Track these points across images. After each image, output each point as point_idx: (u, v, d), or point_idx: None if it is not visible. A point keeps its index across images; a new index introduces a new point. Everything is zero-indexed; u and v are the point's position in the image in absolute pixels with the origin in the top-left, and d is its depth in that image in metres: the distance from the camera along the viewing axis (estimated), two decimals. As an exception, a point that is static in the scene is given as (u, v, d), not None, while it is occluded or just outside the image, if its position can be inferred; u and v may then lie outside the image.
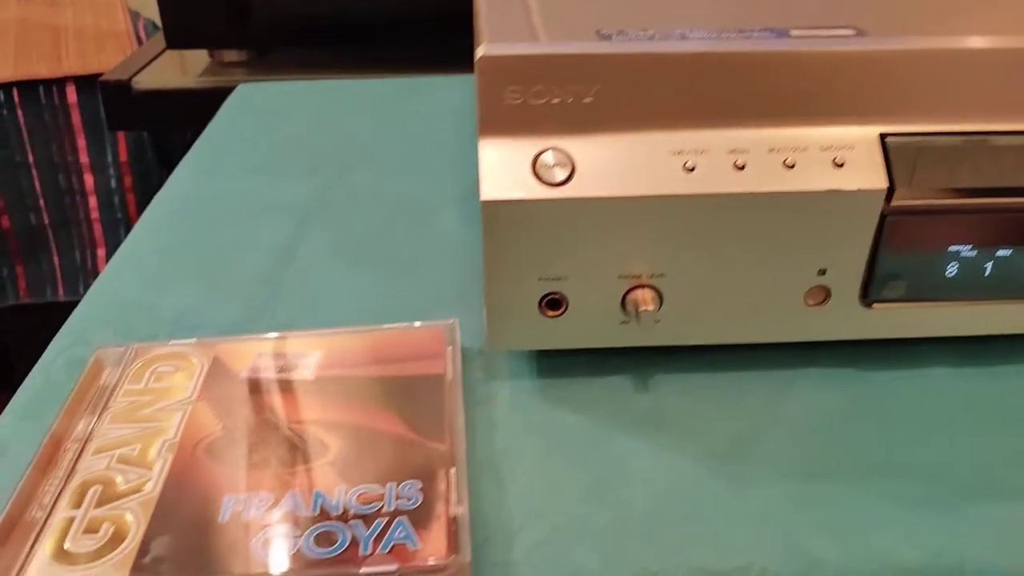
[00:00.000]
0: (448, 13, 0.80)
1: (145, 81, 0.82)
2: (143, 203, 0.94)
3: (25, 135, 0.89)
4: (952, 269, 0.33)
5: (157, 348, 0.35)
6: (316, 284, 0.41)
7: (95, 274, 0.96)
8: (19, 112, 0.89)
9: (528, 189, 0.30)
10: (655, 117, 0.31)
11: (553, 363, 0.35)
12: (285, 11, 0.80)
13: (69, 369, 0.35)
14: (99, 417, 0.31)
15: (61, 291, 0.96)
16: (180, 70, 0.86)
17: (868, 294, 0.33)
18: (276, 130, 0.60)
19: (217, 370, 0.33)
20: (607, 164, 0.30)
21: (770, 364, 0.35)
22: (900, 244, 0.32)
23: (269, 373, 0.33)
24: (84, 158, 0.91)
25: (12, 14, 0.91)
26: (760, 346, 0.35)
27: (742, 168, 0.31)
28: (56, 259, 0.95)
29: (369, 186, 0.51)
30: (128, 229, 0.95)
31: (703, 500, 0.29)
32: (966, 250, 0.33)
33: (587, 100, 0.30)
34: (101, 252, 0.95)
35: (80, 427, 0.31)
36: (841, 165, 0.31)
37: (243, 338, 0.35)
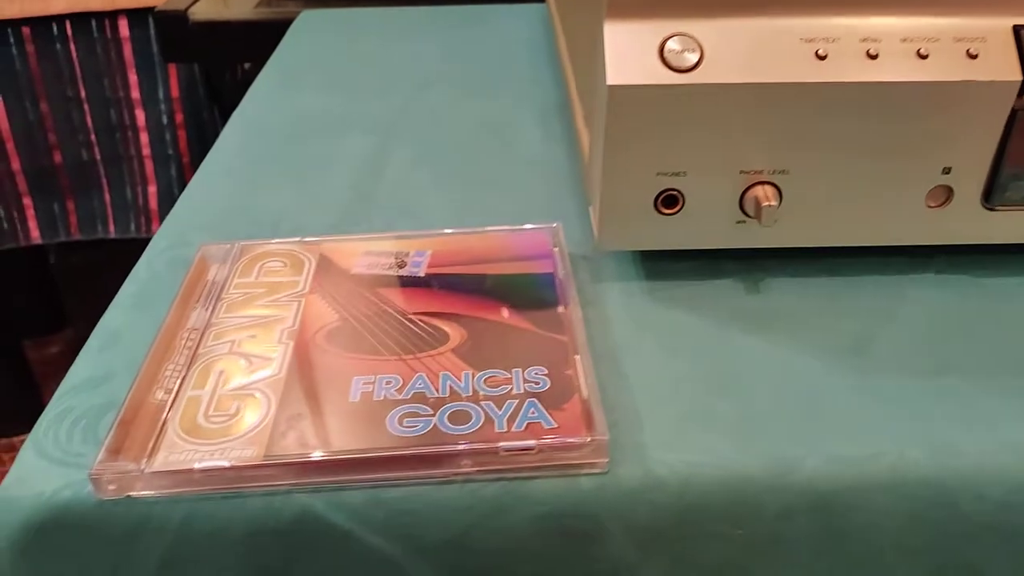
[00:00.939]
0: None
1: (201, 12, 0.81)
2: (195, 139, 0.94)
3: (78, 69, 0.89)
4: (1078, 172, 0.32)
5: (263, 246, 0.35)
6: (407, 194, 0.41)
7: (146, 211, 0.96)
8: (72, 46, 0.88)
9: (656, 74, 0.29)
10: (786, 2, 0.30)
11: (660, 267, 0.35)
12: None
13: (172, 267, 0.35)
14: (214, 309, 0.31)
15: (112, 228, 0.96)
16: (236, 0, 0.85)
17: (992, 196, 0.32)
18: (345, 52, 0.59)
19: (326, 267, 0.33)
20: (736, 50, 0.30)
21: (883, 269, 0.34)
22: (1031, 141, 0.31)
23: (379, 270, 0.33)
24: (135, 93, 0.91)
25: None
26: (873, 250, 0.34)
27: (875, 57, 0.30)
28: (107, 196, 0.95)
29: (446, 105, 0.51)
30: (180, 166, 0.95)
31: (829, 391, 0.28)
32: (1094, 152, 0.32)
33: None
34: (152, 189, 0.95)
35: (195, 317, 0.31)
36: (975, 56, 0.30)
37: (348, 237, 0.35)
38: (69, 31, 0.90)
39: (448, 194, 0.41)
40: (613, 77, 0.29)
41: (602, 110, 0.30)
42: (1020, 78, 0.30)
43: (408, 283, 0.32)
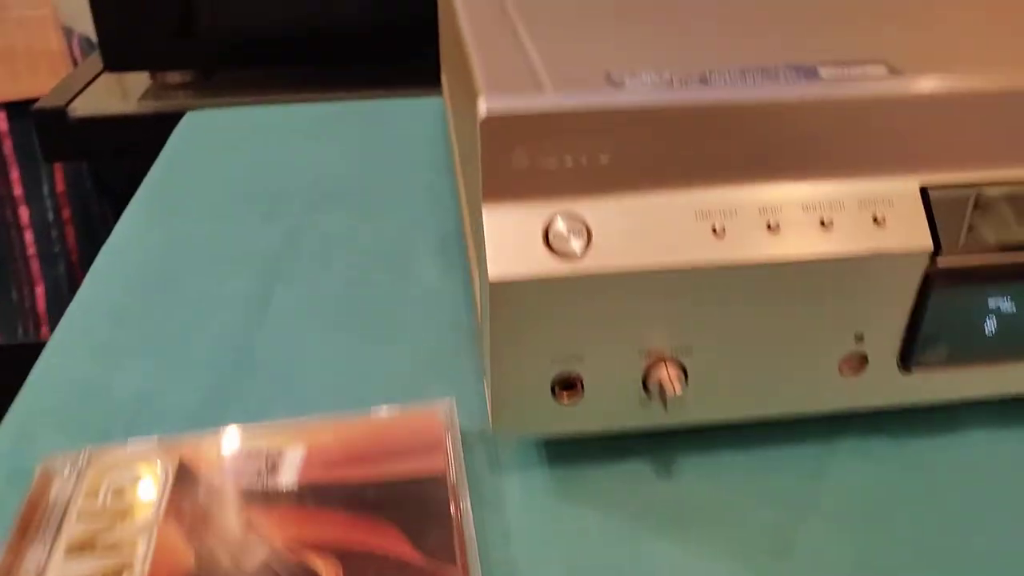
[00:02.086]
0: (403, 27, 0.76)
1: (82, 107, 0.76)
2: (83, 236, 0.88)
3: (-48, 167, 0.83)
4: (992, 327, 0.30)
5: (113, 452, 0.30)
6: (290, 353, 0.37)
7: (34, 315, 0.89)
8: (-55, 142, 0.82)
9: (541, 264, 0.26)
10: (677, 174, 0.27)
11: (565, 449, 0.32)
12: (232, 29, 0.75)
13: (13, 482, 0.31)
14: (51, 549, 0.27)
15: (-1, 332, 0.90)
16: (120, 93, 0.80)
17: (908, 359, 0.30)
18: (231, 164, 0.55)
19: (184, 477, 0.29)
20: (627, 230, 0.27)
21: (801, 439, 0.32)
22: (945, 305, 0.29)
23: (245, 479, 0.29)
24: (18, 190, 0.85)
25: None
26: (788, 420, 0.32)
27: (776, 229, 0.27)
28: (-8, 298, 0.89)
29: (339, 230, 0.47)
30: (68, 264, 0.89)
31: (751, 611, 0.26)
32: (1007, 306, 0.30)
33: (603, 159, 0.27)
34: (39, 290, 0.89)
35: (32, 558, 0.27)
36: (882, 222, 0.28)
37: (211, 433, 0.31)
38: (-59, 127, 0.84)
39: (333, 355, 0.37)
40: (496, 272, 0.26)
41: (486, 303, 0.27)
42: (930, 244, 0.28)
43: (279, 500, 0.28)
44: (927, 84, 0.28)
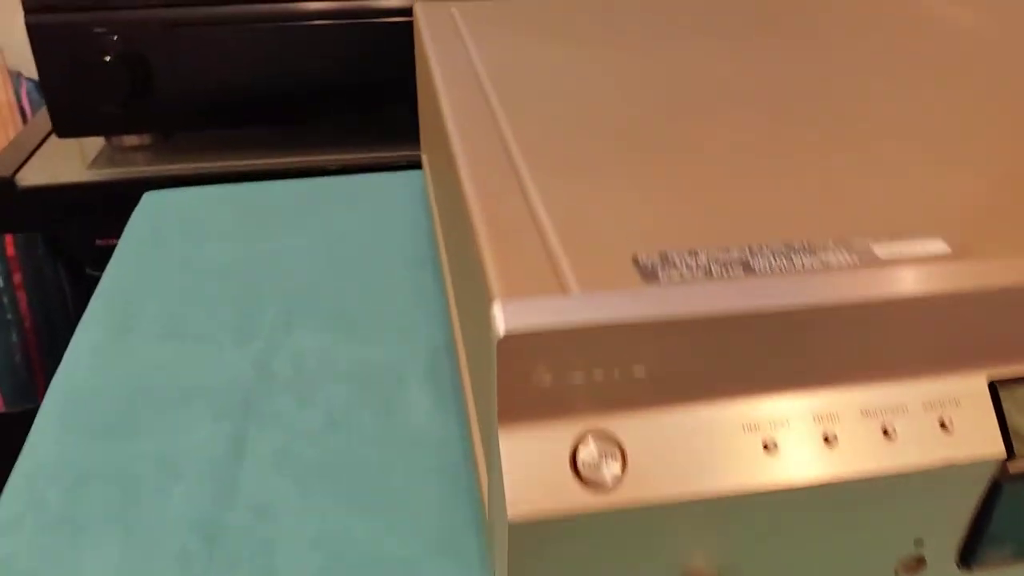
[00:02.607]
0: (373, 83, 0.72)
1: (31, 176, 0.71)
2: (37, 301, 0.83)
3: None
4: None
5: None
6: (260, 534, 0.33)
7: (-18, 387, 0.84)
8: None
9: (570, 498, 0.23)
10: (721, 383, 0.24)
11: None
12: (189, 91, 0.70)
13: None
14: None
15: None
16: (73, 156, 0.75)
17: (969, 559, 0.27)
18: (193, 262, 0.51)
19: None
20: (668, 450, 0.23)
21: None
22: (1014, 508, 0.26)
23: None
24: (-38, 255, 0.79)
25: None
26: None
27: (833, 441, 0.24)
28: (-65, 369, 0.83)
29: (314, 350, 0.43)
30: (21, 331, 0.83)
31: None
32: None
33: (637, 373, 0.23)
34: (-11, 360, 0.83)
35: None
36: (948, 427, 0.25)
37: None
38: None
39: (316, 533, 0.33)
40: (515, 511, 0.22)
41: (502, 540, 0.23)
42: (1002, 450, 0.25)
43: None
44: (998, 272, 0.24)
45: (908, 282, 0.24)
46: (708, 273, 0.24)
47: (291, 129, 0.79)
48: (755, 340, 0.23)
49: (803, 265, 0.25)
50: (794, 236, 0.26)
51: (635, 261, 0.25)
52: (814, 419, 0.24)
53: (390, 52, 0.70)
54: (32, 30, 0.66)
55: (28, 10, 0.66)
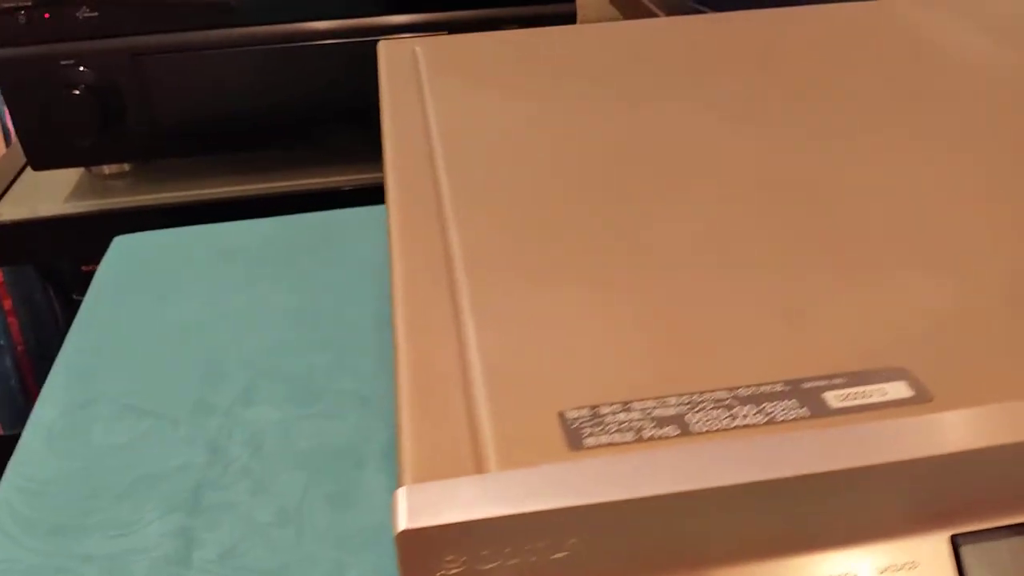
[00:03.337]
0: (351, 107, 0.70)
1: (8, 211, 0.70)
2: (29, 324, 0.82)
3: None
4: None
5: None
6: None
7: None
8: None
9: None
10: (650, 563, 0.22)
11: None
12: (163, 118, 0.68)
13: None
14: None
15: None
16: (52, 185, 0.74)
17: None
18: (157, 322, 0.49)
19: None
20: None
21: None
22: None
23: None
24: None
25: None
26: None
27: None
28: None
29: (276, 425, 0.42)
30: (13, 356, 0.83)
31: None
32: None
33: (558, 555, 0.21)
34: (-17, 386, 0.83)
35: None
36: (907, 594, 0.23)
37: None
38: None
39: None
40: None
41: None
42: (966, 618, 0.23)
43: None
44: (964, 427, 0.22)
45: (857, 448, 0.22)
46: (639, 435, 0.22)
47: (267, 155, 0.77)
48: (681, 520, 0.21)
49: (745, 421, 0.22)
50: (746, 374, 0.24)
51: (562, 420, 0.23)
52: (760, 596, 0.22)
53: (364, 74, 0.68)
54: (-3, 66, 0.64)
55: (-8, 45, 0.64)
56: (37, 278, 0.83)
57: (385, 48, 0.49)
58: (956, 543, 0.23)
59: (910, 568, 0.23)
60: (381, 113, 0.42)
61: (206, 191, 0.72)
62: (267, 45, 0.67)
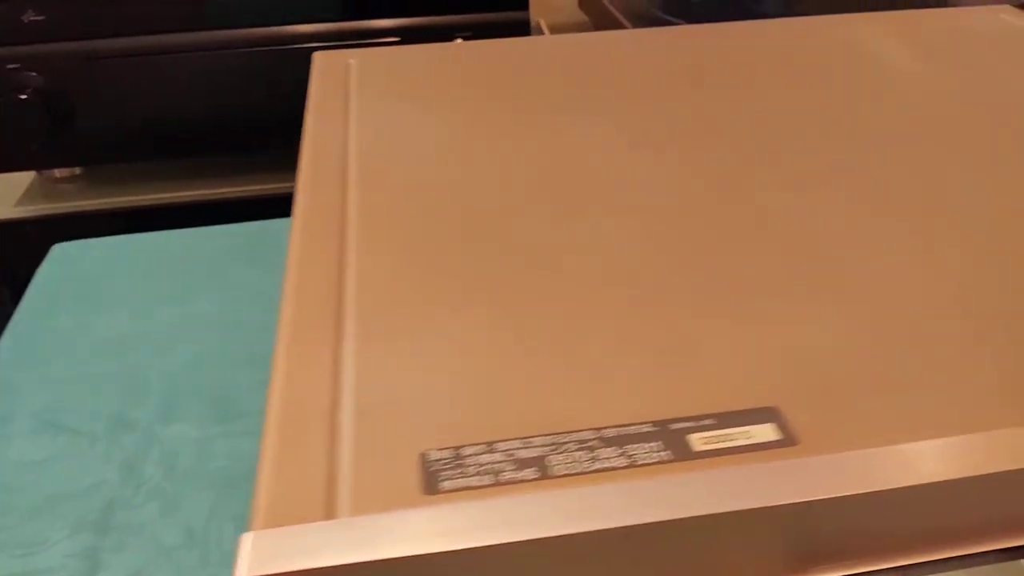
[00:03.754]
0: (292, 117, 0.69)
1: (-44, 214, 0.69)
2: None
3: None
4: None
5: None
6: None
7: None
8: None
9: None
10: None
11: None
12: (113, 123, 0.68)
13: None
14: None
15: None
16: (3, 190, 0.73)
17: None
18: (85, 334, 0.49)
19: None
20: None
21: None
22: None
23: None
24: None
25: None
26: None
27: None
28: None
29: (190, 446, 0.41)
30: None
31: None
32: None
33: (405, 602, 0.21)
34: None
35: None
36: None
37: None
38: None
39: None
40: None
41: None
42: (825, 667, 0.22)
43: None
44: (829, 473, 0.22)
45: (705, 494, 0.21)
46: (497, 479, 0.22)
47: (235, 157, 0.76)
48: (522, 569, 0.21)
49: (606, 463, 0.22)
50: (617, 413, 0.24)
51: (423, 461, 0.22)
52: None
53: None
54: (-60, 70, 0.64)
55: (-65, 49, 0.63)
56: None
57: (319, 59, 0.49)
58: (819, 589, 0.23)
59: (769, 614, 0.23)
60: (303, 125, 0.41)
61: (158, 195, 0.72)
62: (218, 50, 0.66)
